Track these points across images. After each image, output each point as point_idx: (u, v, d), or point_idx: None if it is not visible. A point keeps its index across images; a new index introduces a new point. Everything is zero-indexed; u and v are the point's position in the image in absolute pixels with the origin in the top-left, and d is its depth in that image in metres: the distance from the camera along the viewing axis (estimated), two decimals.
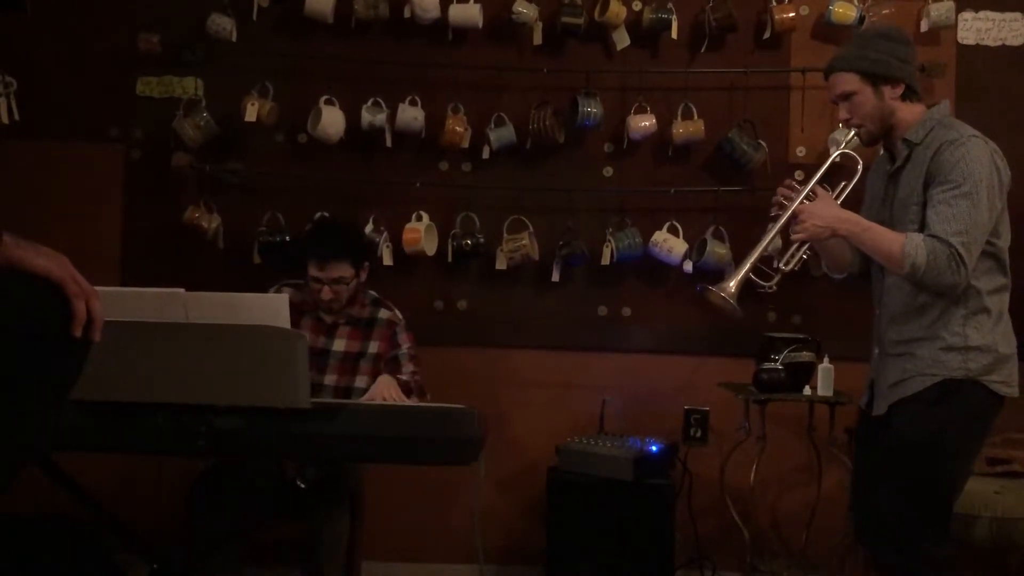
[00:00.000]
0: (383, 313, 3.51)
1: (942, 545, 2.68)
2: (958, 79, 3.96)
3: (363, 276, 3.50)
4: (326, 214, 3.90)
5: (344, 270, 3.39)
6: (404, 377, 3.37)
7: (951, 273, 2.61)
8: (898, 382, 2.76)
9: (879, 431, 2.80)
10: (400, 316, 3.54)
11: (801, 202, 2.76)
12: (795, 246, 2.81)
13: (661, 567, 3.55)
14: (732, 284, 2.78)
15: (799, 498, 3.94)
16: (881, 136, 2.81)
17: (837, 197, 2.83)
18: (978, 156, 2.65)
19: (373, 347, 3.46)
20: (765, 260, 2.85)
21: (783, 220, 2.77)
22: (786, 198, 2.79)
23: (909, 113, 2.78)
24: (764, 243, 2.82)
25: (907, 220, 2.72)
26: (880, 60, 2.74)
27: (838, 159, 2.89)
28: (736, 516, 3.72)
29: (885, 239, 2.68)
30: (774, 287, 2.86)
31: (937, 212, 2.63)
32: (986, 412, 2.73)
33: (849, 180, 2.86)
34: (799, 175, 3.95)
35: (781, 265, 2.82)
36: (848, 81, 2.76)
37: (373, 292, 3.58)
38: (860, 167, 2.85)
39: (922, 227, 2.68)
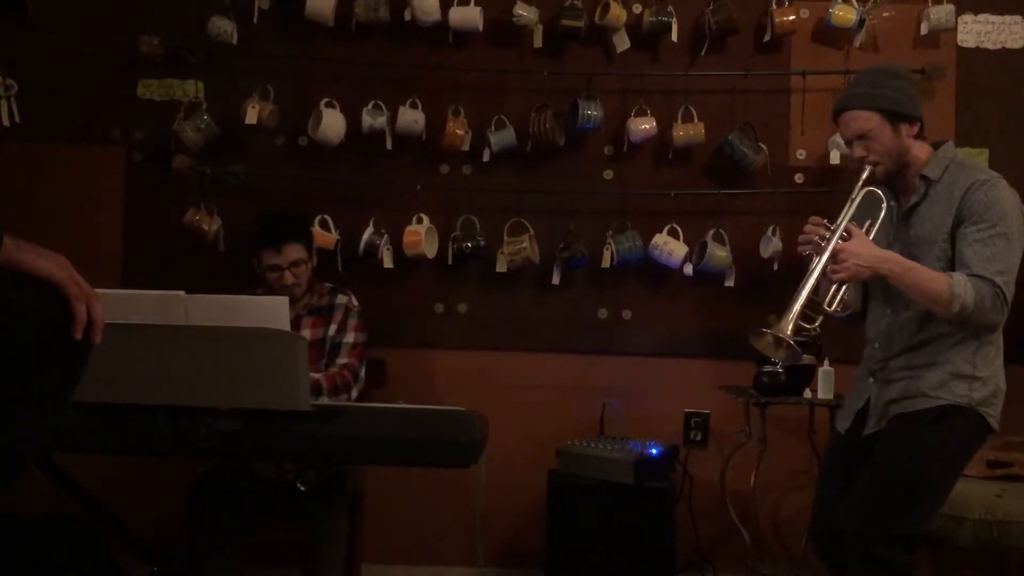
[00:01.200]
0: (340, 298, 3.57)
1: (905, 555, 2.68)
2: (958, 82, 3.95)
3: (314, 259, 3.58)
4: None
5: (300, 251, 3.48)
6: (333, 370, 3.42)
7: (995, 312, 2.62)
8: (899, 399, 2.77)
9: (860, 453, 2.80)
10: (355, 302, 3.58)
11: (837, 241, 2.70)
12: (835, 286, 2.74)
13: (661, 570, 3.55)
14: (788, 325, 2.67)
15: (799, 501, 3.93)
16: (896, 174, 2.78)
17: (867, 235, 2.77)
18: (1008, 198, 2.69)
19: (332, 330, 3.52)
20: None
21: (824, 260, 2.69)
22: (820, 237, 2.73)
23: (921, 151, 2.78)
24: (810, 284, 2.71)
25: (932, 258, 2.71)
26: (899, 99, 2.73)
27: (864, 193, 2.81)
28: (736, 519, 3.71)
29: (929, 279, 2.65)
30: (818, 329, 2.79)
31: (975, 251, 2.63)
32: (976, 441, 2.76)
33: (875, 218, 2.81)
34: (799, 178, 3.98)
35: (824, 306, 2.76)
36: (867, 119, 2.73)
37: (329, 283, 3.63)
38: (884, 204, 2.78)
39: (950, 264, 2.68)
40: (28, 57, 4.06)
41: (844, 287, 2.75)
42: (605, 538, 3.55)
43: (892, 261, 2.69)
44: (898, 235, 2.82)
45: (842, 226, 2.72)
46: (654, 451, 3.62)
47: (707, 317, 3.97)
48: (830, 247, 2.69)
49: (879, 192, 2.80)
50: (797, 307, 2.69)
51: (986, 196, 2.66)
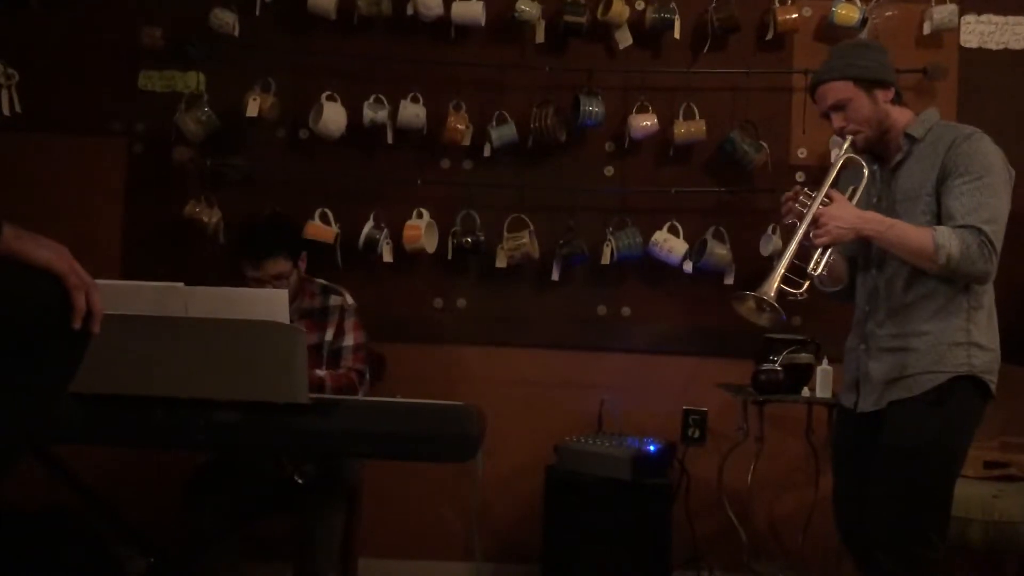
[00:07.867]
0: (334, 300, 3.48)
1: (938, 548, 2.68)
2: (960, 82, 3.95)
3: (303, 267, 3.46)
4: (278, 210, 3.85)
5: (281, 266, 3.33)
6: (340, 371, 3.37)
7: (983, 262, 2.61)
8: (897, 379, 2.73)
9: (867, 431, 2.78)
10: (350, 301, 3.49)
11: (818, 206, 2.71)
12: (819, 251, 2.75)
13: (658, 567, 3.55)
14: (772, 287, 2.67)
15: (796, 499, 3.94)
16: (876, 141, 2.80)
17: (849, 199, 2.79)
18: (994, 151, 2.70)
19: (328, 335, 3.44)
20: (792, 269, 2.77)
21: (805, 225, 2.71)
22: (802, 205, 2.75)
23: (902, 116, 2.81)
24: (792, 249, 2.72)
25: (917, 212, 2.71)
26: (870, 66, 2.77)
27: (845, 160, 2.84)
28: (733, 517, 3.72)
29: (912, 234, 2.65)
30: (805, 294, 2.77)
31: (962, 203, 2.63)
32: (982, 410, 2.73)
33: (857, 184, 2.83)
34: (800, 176, 3.97)
35: (809, 270, 2.75)
36: (842, 89, 2.76)
37: (321, 280, 3.55)
38: (865, 170, 2.82)
39: (935, 218, 2.68)
40: (29, 47, 4.05)
41: (828, 252, 2.75)
42: (602, 534, 3.55)
43: (874, 220, 2.70)
44: (883, 193, 2.82)
45: (823, 192, 2.74)
46: (652, 448, 3.62)
47: (706, 315, 3.97)
48: (811, 212, 2.71)
49: (860, 160, 2.83)
50: (780, 270, 2.70)
51: (971, 148, 2.67)
